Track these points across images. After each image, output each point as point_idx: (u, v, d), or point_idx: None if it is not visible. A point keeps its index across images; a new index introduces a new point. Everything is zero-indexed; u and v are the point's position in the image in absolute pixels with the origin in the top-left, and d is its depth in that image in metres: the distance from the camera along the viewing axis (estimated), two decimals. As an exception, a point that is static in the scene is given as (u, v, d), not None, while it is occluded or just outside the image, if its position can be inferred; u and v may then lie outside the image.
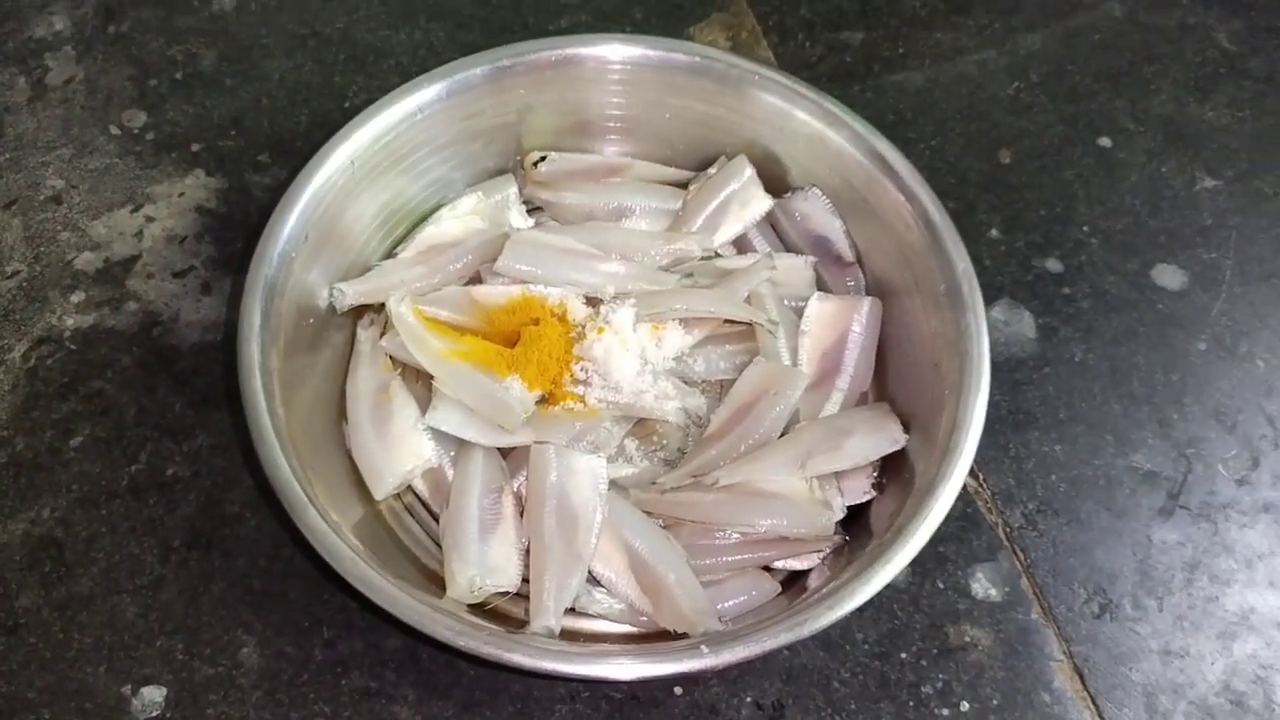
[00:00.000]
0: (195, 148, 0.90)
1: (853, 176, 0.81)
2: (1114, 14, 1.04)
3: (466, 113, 0.82)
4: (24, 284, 0.83)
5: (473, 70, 0.81)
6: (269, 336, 0.70)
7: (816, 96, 0.81)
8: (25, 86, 0.93)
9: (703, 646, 0.61)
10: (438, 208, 0.85)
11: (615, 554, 0.71)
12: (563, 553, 0.70)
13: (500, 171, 0.88)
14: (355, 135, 0.77)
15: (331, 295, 0.78)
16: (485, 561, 0.70)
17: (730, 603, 0.71)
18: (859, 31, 1.01)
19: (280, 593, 0.73)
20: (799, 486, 0.73)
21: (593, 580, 0.71)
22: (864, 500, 0.74)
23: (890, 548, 0.65)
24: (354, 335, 0.80)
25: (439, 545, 0.74)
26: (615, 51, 0.82)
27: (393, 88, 0.79)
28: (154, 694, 0.69)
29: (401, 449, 0.75)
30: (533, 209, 0.88)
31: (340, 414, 0.77)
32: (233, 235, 0.86)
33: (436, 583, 0.71)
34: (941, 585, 0.75)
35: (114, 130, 0.91)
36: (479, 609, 0.70)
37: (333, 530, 0.64)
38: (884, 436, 0.74)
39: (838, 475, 0.74)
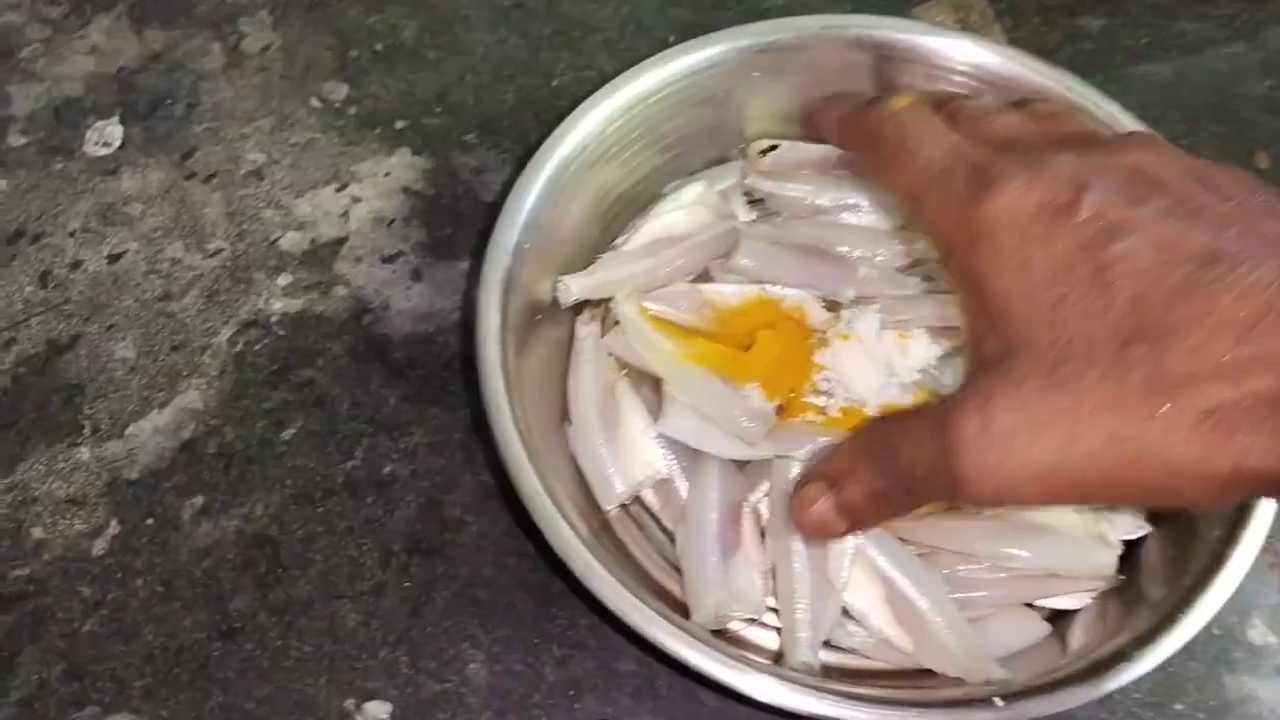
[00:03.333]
0: (400, 124, 0.86)
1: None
2: (1375, 4, 0.96)
3: (699, 96, 0.77)
4: (228, 264, 0.80)
5: (709, 50, 0.75)
6: (508, 334, 0.66)
7: (1084, 90, 0.75)
8: (220, 53, 0.89)
9: (996, 699, 0.56)
10: (658, 196, 0.80)
11: (870, 584, 0.66)
12: (814, 581, 0.65)
13: (722, 159, 0.82)
14: (588, 117, 0.72)
15: (555, 289, 0.73)
16: (729, 585, 0.65)
17: (996, 644, 0.65)
18: (1098, 18, 0.93)
19: (507, 604, 0.69)
20: (1071, 518, 0.67)
21: (843, 611, 0.66)
22: (1136, 536, 0.68)
23: (1194, 595, 0.59)
24: (571, 331, 0.75)
25: (667, 561, 0.69)
26: (876, 35, 0.76)
27: (600, 65, 0.74)
28: (379, 710, 0.65)
29: (631, 457, 0.70)
30: (753, 200, 0.82)
31: (561, 415, 0.72)
32: (441, 220, 0.82)
33: (665, 599, 0.66)
34: (1216, 631, 0.69)
35: (315, 103, 0.87)
36: (719, 635, 0.65)
37: (586, 547, 0.60)
38: (1165, 466, 0.67)
39: (1109, 507, 0.68)
